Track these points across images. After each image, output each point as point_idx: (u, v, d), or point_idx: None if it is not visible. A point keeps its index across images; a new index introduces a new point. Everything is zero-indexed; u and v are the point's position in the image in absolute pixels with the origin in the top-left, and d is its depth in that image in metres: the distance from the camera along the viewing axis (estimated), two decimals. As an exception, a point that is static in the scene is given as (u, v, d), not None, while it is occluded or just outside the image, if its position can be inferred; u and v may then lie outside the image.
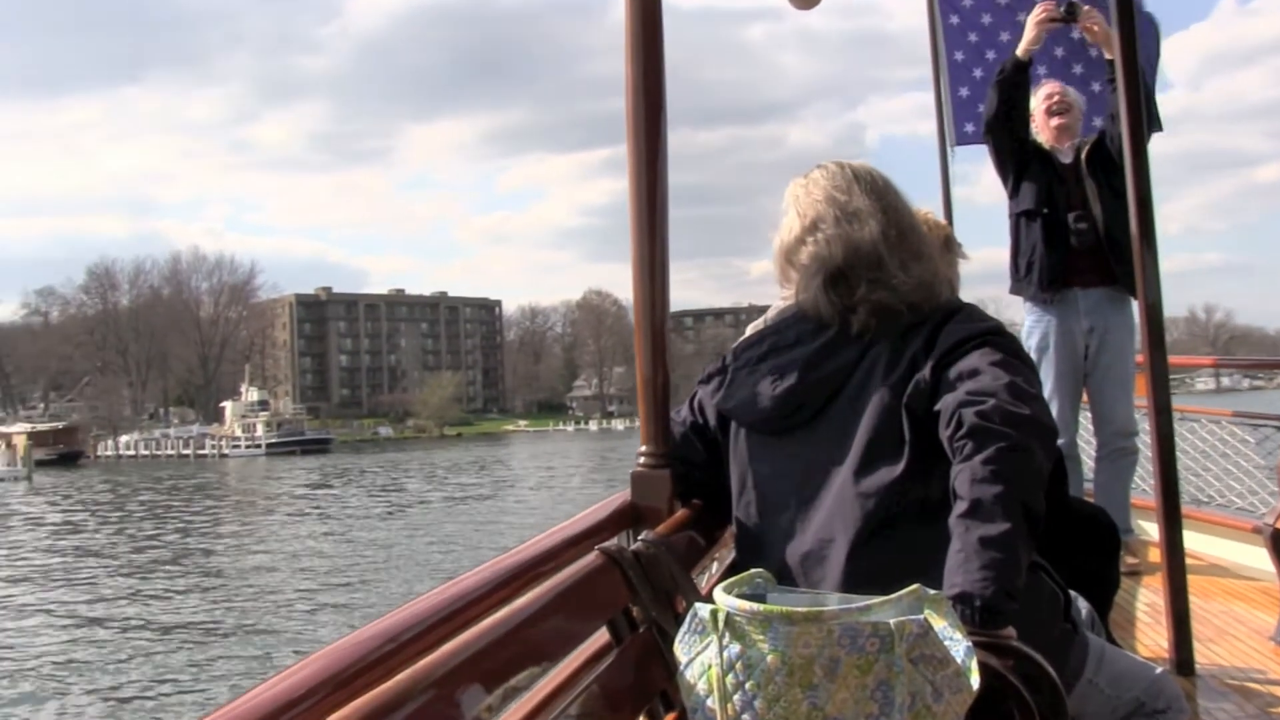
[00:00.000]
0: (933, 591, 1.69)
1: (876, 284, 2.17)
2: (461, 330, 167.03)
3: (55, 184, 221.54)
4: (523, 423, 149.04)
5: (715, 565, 2.63)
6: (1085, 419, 5.91)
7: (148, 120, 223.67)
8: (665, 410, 2.45)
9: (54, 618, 22.28)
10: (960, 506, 1.85)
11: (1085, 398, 5.55)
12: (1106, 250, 5.11)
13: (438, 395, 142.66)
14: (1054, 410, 4.42)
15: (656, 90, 2.43)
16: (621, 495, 2.39)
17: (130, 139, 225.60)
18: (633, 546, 2.09)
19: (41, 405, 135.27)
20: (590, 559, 2.01)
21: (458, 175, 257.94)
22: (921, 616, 1.62)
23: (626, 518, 2.34)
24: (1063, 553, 2.26)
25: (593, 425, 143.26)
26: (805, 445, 2.17)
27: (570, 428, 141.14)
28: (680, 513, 2.40)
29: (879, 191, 2.28)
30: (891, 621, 1.60)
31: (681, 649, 1.75)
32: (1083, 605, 2.45)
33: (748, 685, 1.62)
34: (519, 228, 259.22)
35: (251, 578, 26.46)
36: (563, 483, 53.66)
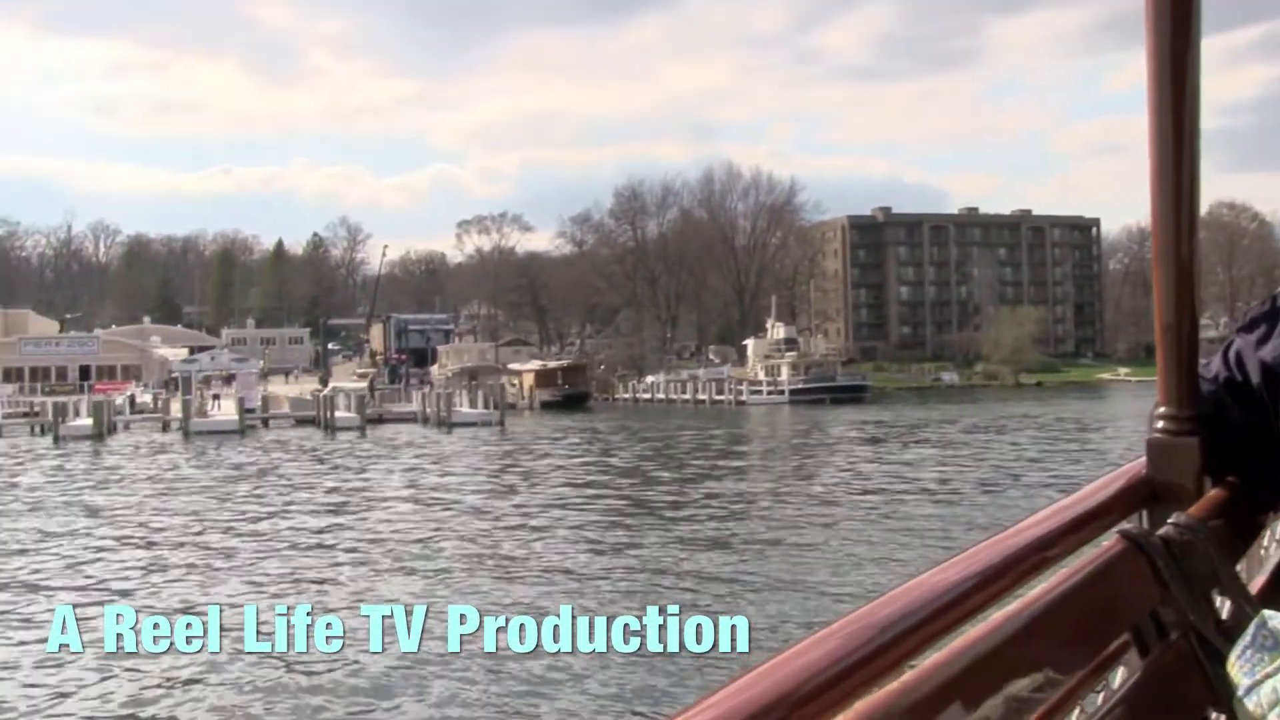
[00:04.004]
0: None
1: None
2: (1048, 256, 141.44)
3: (621, 110, 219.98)
4: (1123, 370, 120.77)
5: (1244, 562, 2.07)
6: None
7: (707, 36, 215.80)
8: (1192, 364, 2.06)
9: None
10: None
11: None
12: None
13: (1014, 335, 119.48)
14: None
15: None
16: (1133, 467, 1.96)
17: (691, 57, 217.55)
18: (1160, 531, 1.72)
19: (578, 341, 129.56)
20: (1108, 546, 1.65)
21: (1056, 75, 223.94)
22: None
23: (1141, 496, 1.92)
24: None
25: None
26: None
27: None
28: (1213, 492, 1.96)
29: None
30: None
31: (1241, 668, 1.44)
32: None
33: None
34: (1132, 134, 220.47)
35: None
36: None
